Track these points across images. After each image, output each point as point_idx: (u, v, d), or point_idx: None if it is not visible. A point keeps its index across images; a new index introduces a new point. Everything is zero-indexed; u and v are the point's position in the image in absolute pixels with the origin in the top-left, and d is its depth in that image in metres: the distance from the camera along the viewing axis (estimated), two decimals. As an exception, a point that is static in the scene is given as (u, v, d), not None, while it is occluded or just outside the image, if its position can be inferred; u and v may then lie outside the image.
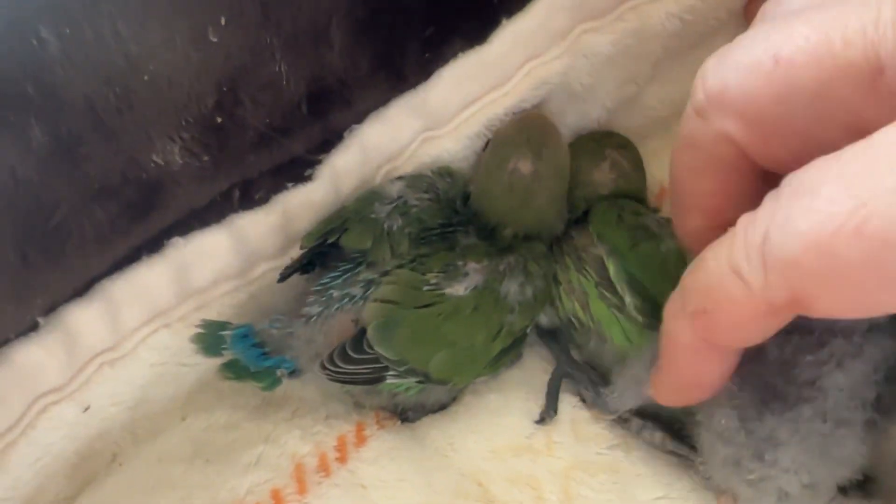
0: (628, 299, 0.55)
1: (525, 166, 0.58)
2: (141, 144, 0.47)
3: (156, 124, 0.47)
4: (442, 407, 0.59)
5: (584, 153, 0.64)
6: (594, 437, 0.58)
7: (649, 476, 0.57)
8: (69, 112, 0.43)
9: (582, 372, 0.58)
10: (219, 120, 0.50)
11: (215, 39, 0.47)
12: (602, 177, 0.63)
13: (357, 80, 0.57)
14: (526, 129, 0.60)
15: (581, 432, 0.58)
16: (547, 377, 0.60)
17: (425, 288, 0.53)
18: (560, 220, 0.61)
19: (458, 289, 0.54)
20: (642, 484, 0.56)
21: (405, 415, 0.59)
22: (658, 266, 0.54)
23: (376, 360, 0.52)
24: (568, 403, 0.58)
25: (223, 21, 0.47)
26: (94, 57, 0.42)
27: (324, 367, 0.52)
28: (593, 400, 0.57)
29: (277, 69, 0.52)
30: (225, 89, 0.49)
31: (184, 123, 0.49)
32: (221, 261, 0.55)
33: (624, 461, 0.57)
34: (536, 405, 0.59)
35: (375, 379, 0.53)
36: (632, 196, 0.63)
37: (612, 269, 0.56)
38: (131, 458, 0.53)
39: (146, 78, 0.45)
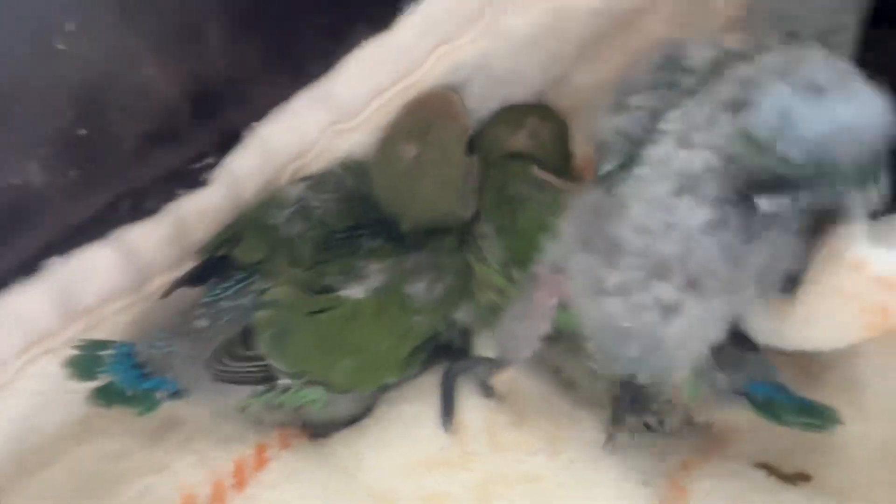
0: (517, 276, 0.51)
1: (406, 150, 0.54)
2: (-9, 166, 0.43)
3: (8, 145, 0.43)
4: (353, 420, 0.56)
5: (503, 122, 0.61)
6: (513, 445, 0.55)
7: (572, 485, 0.54)
8: None
9: (478, 363, 0.55)
10: (82, 132, 0.46)
11: (63, 47, 0.43)
12: (517, 145, 0.59)
13: (248, 77, 0.53)
14: (415, 111, 0.56)
15: (498, 440, 0.55)
16: (467, 380, 0.57)
17: (319, 291, 0.50)
18: (464, 206, 0.56)
19: (357, 291, 0.51)
20: (567, 494, 0.54)
21: (315, 431, 0.56)
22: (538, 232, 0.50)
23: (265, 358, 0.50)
24: (484, 409, 0.56)
25: (71, 27, 0.43)
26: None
27: (209, 366, 0.49)
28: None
29: (147, 73, 0.48)
30: (85, 100, 0.45)
31: (38, 139, 0.45)
32: (109, 277, 0.52)
33: (548, 468, 0.55)
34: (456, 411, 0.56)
35: (266, 379, 0.50)
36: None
37: (498, 250, 0.53)
38: (12, 493, 0.50)
39: (-12, 97, 0.41)
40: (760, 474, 0.55)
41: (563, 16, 0.57)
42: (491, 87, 0.61)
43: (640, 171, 0.45)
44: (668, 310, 0.43)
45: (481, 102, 0.61)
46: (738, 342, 0.49)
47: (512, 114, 0.61)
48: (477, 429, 0.55)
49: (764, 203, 0.41)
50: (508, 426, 0.55)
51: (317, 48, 0.54)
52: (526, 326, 0.49)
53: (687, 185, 0.43)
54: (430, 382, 0.57)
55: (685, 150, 0.43)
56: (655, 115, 0.47)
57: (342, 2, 0.54)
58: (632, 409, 0.54)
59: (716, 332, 0.45)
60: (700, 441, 0.58)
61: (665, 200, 0.44)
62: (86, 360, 0.48)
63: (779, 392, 0.50)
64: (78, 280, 0.51)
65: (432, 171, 0.55)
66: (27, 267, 0.49)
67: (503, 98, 0.62)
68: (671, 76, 0.48)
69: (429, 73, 0.57)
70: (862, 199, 0.44)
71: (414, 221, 0.55)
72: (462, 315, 0.57)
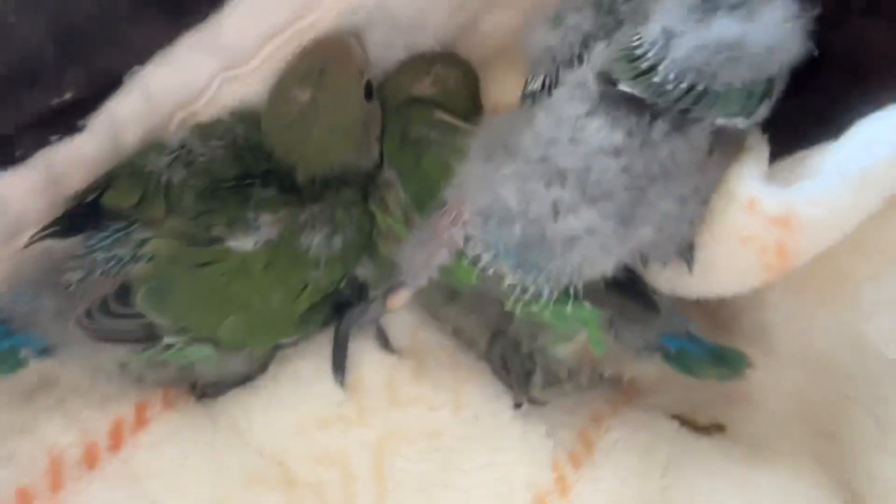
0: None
1: (299, 95, 0.51)
2: None
3: None
4: (246, 379, 0.53)
5: (408, 69, 0.58)
6: (413, 400, 0.53)
7: (477, 439, 0.52)
8: None
9: (369, 307, 0.53)
10: (-69, 67, 0.43)
11: None
12: (421, 91, 0.57)
13: (118, 18, 0.50)
14: (311, 55, 0.53)
15: (399, 396, 0.53)
16: (365, 338, 0.54)
17: (205, 243, 0.47)
18: (363, 154, 0.54)
19: (246, 243, 0.48)
20: (468, 449, 0.52)
21: (203, 391, 0.53)
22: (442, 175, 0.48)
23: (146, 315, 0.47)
24: (384, 364, 0.53)
25: None
26: None
27: (79, 323, 0.46)
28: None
29: (2, 10, 0.44)
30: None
31: None
32: (-25, 230, 0.49)
33: (450, 423, 0.53)
34: (351, 369, 0.53)
35: (147, 338, 0.47)
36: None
37: (401, 195, 0.51)
38: None
39: None
40: (672, 425, 0.54)
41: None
42: (393, 33, 0.58)
43: (556, 91, 0.45)
44: (560, 206, 0.42)
45: (385, 51, 0.59)
46: (642, 303, 0.48)
47: (417, 62, 0.59)
48: (376, 385, 0.53)
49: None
50: (409, 381, 0.53)
51: (199, -14, 0.51)
52: (426, 253, 0.46)
53: (597, 108, 0.43)
54: (327, 338, 0.55)
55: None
56: (587, 39, 0.47)
57: (222, -64, 0.50)
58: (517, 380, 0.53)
59: (602, 257, 0.43)
60: (612, 393, 0.56)
61: (576, 119, 0.43)
62: None
63: (690, 343, 0.49)
64: (-62, 233, 0.47)
65: (326, 117, 0.52)
66: None
67: (408, 46, 0.60)
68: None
69: (325, 16, 0.54)
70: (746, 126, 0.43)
71: (309, 170, 0.52)
72: (363, 271, 0.55)
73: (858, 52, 0.52)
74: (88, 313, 0.46)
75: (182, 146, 0.52)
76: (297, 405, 0.52)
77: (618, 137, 0.42)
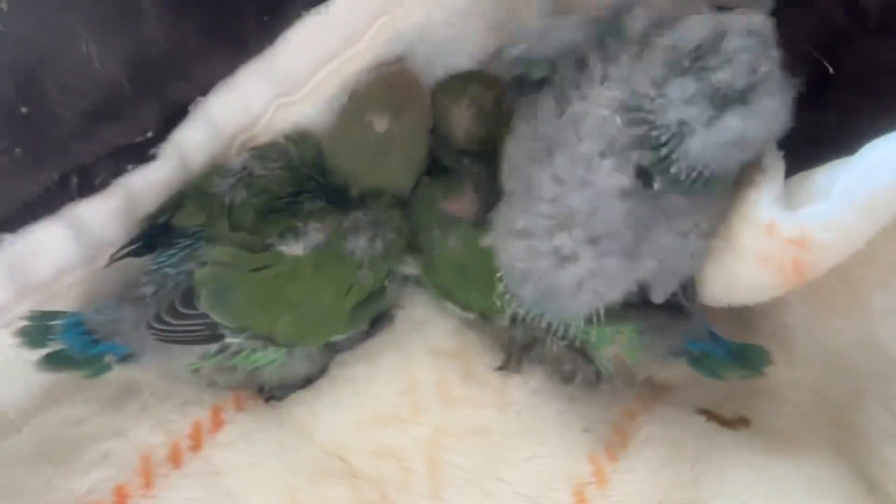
0: None
1: (380, 124, 0.55)
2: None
3: (-53, 124, 0.45)
4: (308, 381, 0.58)
5: (446, 89, 0.61)
6: (462, 400, 0.57)
7: (520, 435, 0.56)
8: None
9: None
10: (24, 110, 0.48)
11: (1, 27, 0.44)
12: (459, 113, 0.60)
13: (188, 52, 0.54)
14: (388, 86, 0.57)
15: (449, 395, 0.57)
16: (415, 339, 0.59)
17: (259, 249, 0.52)
18: (412, 180, 0.58)
19: (296, 248, 0.52)
20: (513, 444, 0.56)
21: (270, 393, 0.58)
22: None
23: (209, 316, 0.51)
24: (435, 367, 0.58)
25: (3, 6, 0.44)
26: None
27: (150, 327, 0.50)
28: None
29: (85, 50, 0.49)
30: (22, 78, 0.46)
31: (-18, 120, 0.46)
32: (61, 252, 0.54)
33: (496, 420, 0.57)
34: (404, 371, 0.58)
35: (213, 336, 0.52)
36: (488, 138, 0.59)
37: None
38: (-23, 462, 0.52)
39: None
40: (700, 420, 0.58)
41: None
42: (433, 56, 0.62)
43: (573, 122, 0.48)
44: (563, 259, 0.46)
45: (424, 71, 0.62)
46: (669, 310, 0.51)
47: (454, 82, 0.62)
48: (428, 386, 0.57)
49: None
50: (458, 382, 0.58)
51: (257, 22, 0.55)
52: None
53: (611, 150, 0.46)
54: (380, 344, 0.59)
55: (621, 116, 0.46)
56: (582, 61, 0.49)
57: (278, -24, 0.55)
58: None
59: (611, 290, 0.48)
60: (644, 391, 0.60)
61: (588, 159, 0.46)
62: (36, 330, 0.50)
63: (713, 345, 0.53)
64: (30, 256, 0.52)
65: (400, 148, 0.56)
66: (-23, 246, 0.50)
67: (446, 66, 0.63)
68: (606, 31, 0.50)
69: (371, 44, 0.59)
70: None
71: (364, 188, 0.56)
72: (406, 269, 0.59)
73: (871, 71, 0.56)
74: (158, 317, 0.50)
75: (243, 168, 0.56)
76: (356, 406, 0.56)
77: (626, 180, 0.46)
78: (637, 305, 0.50)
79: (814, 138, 0.54)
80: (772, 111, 0.46)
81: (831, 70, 0.56)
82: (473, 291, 0.57)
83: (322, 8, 0.57)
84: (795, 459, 0.54)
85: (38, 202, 0.52)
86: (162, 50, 0.52)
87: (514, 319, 0.55)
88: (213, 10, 0.53)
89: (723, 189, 0.49)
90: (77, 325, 0.50)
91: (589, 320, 0.49)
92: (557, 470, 0.54)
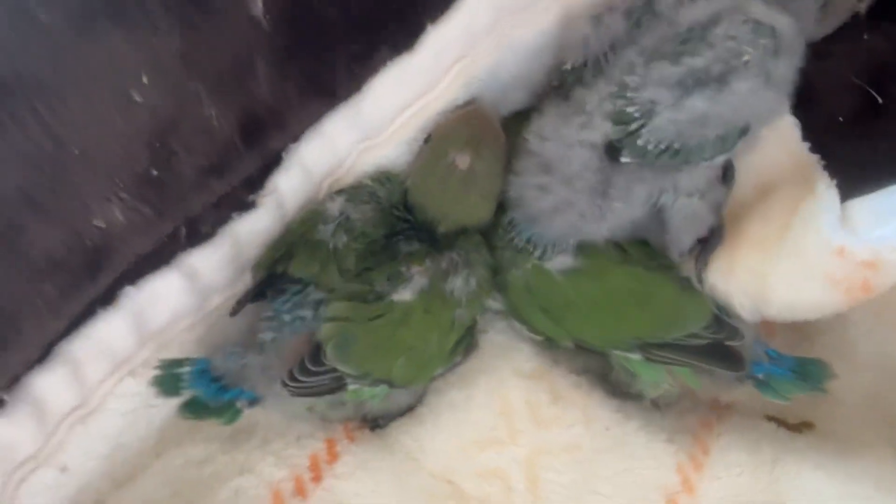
0: None
1: (462, 161, 0.58)
2: (81, 215, 0.48)
3: (93, 193, 0.48)
4: (409, 409, 0.62)
5: (512, 128, 0.64)
6: (553, 419, 0.61)
7: (610, 450, 0.60)
8: (4, 204, 0.43)
9: None
10: (154, 173, 0.50)
11: (140, 99, 0.47)
12: None
13: (288, 105, 0.57)
14: (468, 126, 0.61)
15: (540, 416, 0.61)
16: (502, 363, 0.63)
17: (371, 298, 0.55)
18: (492, 212, 0.61)
19: (405, 294, 0.55)
20: (605, 459, 0.60)
21: (375, 422, 0.61)
22: None
23: (335, 370, 0.54)
24: (524, 389, 0.61)
25: (145, 80, 0.47)
26: (21, 146, 0.42)
27: (285, 385, 0.54)
28: None
29: (207, 113, 0.52)
30: (157, 144, 0.49)
31: (120, 185, 0.49)
32: (176, 300, 0.56)
33: (584, 437, 0.61)
34: (497, 395, 0.61)
35: (338, 387, 0.55)
36: None
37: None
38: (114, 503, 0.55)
39: (76, 152, 0.45)
40: (771, 426, 0.62)
41: (569, 24, 0.62)
42: (498, 94, 0.65)
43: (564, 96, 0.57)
44: (543, 190, 0.56)
45: (493, 109, 0.66)
46: (729, 363, 0.57)
47: (517, 119, 0.66)
48: (520, 408, 0.61)
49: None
50: (547, 404, 0.61)
51: (346, 73, 0.58)
52: None
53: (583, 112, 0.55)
54: (471, 369, 0.63)
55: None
56: (614, 43, 0.56)
57: (368, 29, 0.57)
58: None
59: (583, 221, 0.56)
60: (714, 402, 0.65)
61: (565, 116, 0.55)
62: (168, 379, 0.52)
63: (774, 365, 0.57)
64: (149, 305, 0.55)
65: (482, 183, 0.59)
66: (106, 298, 0.53)
67: (509, 102, 0.67)
68: (641, 12, 0.55)
69: (448, 88, 0.62)
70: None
71: (452, 226, 0.59)
72: (493, 303, 0.63)
73: (919, 100, 0.61)
74: (291, 375, 0.53)
75: (341, 213, 0.59)
76: (457, 431, 0.60)
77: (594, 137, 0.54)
78: (699, 356, 0.57)
79: (867, 165, 0.59)
80: (742, 95, 0.50)
81: (880, 100, 0.61)
82: (538, 313, 0.60)
83: (406, 56, 0.60)
84: (862, 460, 0.59)
85: (154, 254, 0.55)
86: (267, 104, 0.55)
87: (578, 346, 0.60)
88: (312, 64, 0.56)
89: (700, 157, 0.54)
90: (205, 372, 0.52)
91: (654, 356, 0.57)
92: (649, 481, 0.59)
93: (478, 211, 0.60)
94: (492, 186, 0.60)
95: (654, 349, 0.58)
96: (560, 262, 0.58)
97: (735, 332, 0.57)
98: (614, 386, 0.63)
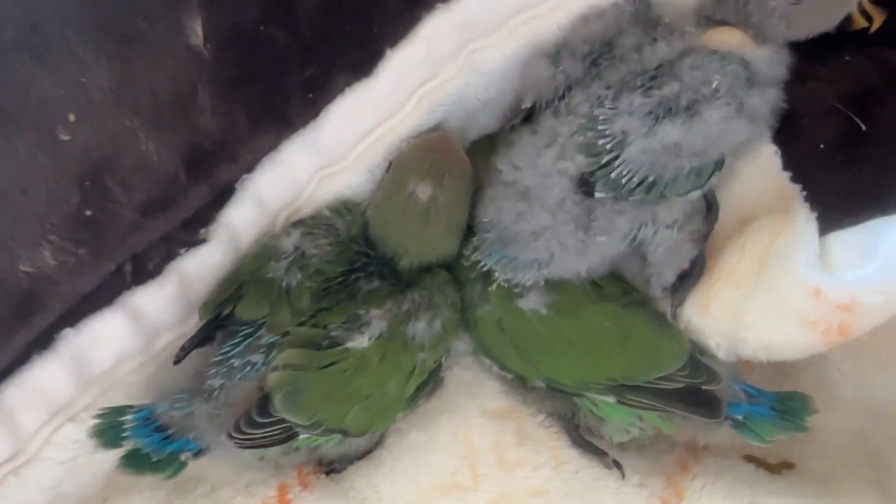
0: None
1: (423, 192, 0.56)
2: (4, 261, 0.45)
3: (18, 237, 0.45)
4: (367, 452, 0.59)
5: (480, 152, 0.62)
6: (519, 462, 0.58)
7: (579, 494, 0.58)
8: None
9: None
10: (88, 213, 0.48)
11: (67, 138, 0.44)
12: None
13: (238, 136, 0.55)
14: (429, 154, 0.57)
15: (506, 459, 0.58)
16: (467, 401, 0.60)
17: (325, 344, 0.52)
18: (458, 245, 0.59)
19: (361, 341, 0.53)
20: None
21: (331, 466, 0.58)
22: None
23: (284, 420, 0.51)
24: (490, 430, 0.59)
25: (72, 118, 0.44)
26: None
27: (231, 437, 0.51)
28: None
29: (144, 148, 0.49)
30: (87, 184, 0.47)
31: (48, 227, 0.46)
32: (120, 341, 0.54)
33: (553, 481, 0.58)
34: (461, 436, 0.59)
35: (288, 437, 0.52)
36: None
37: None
38: (50, 561, 0.52)
39: (-4, 196, 0.43)
40: (749, 467, 0.60)
41: (533, 48, 0.60)
42: (466, 119, 0.63)
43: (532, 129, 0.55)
44: (522, 216, 0.53)
45: (460, 134, 0.64)
46: (705, 409, 0.54)
47: (487, 143, 0.63)
48: (485, 451, 0.58)
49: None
50: (514, 445, 0.59)
51: (302, 100, 0.56)
52: None
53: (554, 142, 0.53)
54: (434, 407, 0.60)
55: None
56: (571, 83, 0.55)
57: (322, 54, 0.55)
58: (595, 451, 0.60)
59: (563, 252, 0.54)
60: (691, 443, 0.62)
61: (537, 149, 0.54)
62: (109, 428, 0.50)
63: (753, 405, 0.55)
64: (90, 348, 0.53)
65: (445, 215, 0.56)
66: (42, 342, 0.50)
67: (478, 127, 0.64)
68: (600, 54, 0.55)
69: (412, 114, 0.59)
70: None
71: (414, 261, 0.57)
72: (459, 343, 0.60)
73: (904, 128, 0.58)
74: (237, 427, 0.51)
75: (295, 249, 0.56)
76: (416, 474, 0.57)
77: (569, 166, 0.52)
78: (674, 401, 0.54)
79: (850, 194, 0.56)
80: (714, 123, 0.50)
81: (863, 127, 0.58)
82: (509, 350, 0.58)
83: (365, 82, 0.57)
84: (842, 501, 0.57)
85: (95, 294, 0.52)
86: (214, 136, 0.53)
87: (548, 387, 0.57)
88: (261, 93, 0.54)
89: (676, 191, 0.52)
90: (148, 421, 0.50)
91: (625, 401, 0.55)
92: (619, 529, 0.56)
93: (441, 244, 0.58)
94: (455, 218, 0.57)
95: (628, 392, 0.55)
96: (532, 299, 0.55)
97: (712, 375, 0.54)
98: (581, 430, 0.60)
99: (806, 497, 0.57)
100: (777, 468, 0.61)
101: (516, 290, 0.56)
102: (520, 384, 0.60)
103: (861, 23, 0.53)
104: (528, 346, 0.57)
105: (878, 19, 0.53)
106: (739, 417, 0.54)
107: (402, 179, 0.57)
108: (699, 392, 0.54)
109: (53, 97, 0.43)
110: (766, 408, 0.54)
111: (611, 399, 0.56)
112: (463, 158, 0.59)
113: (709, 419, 0.54)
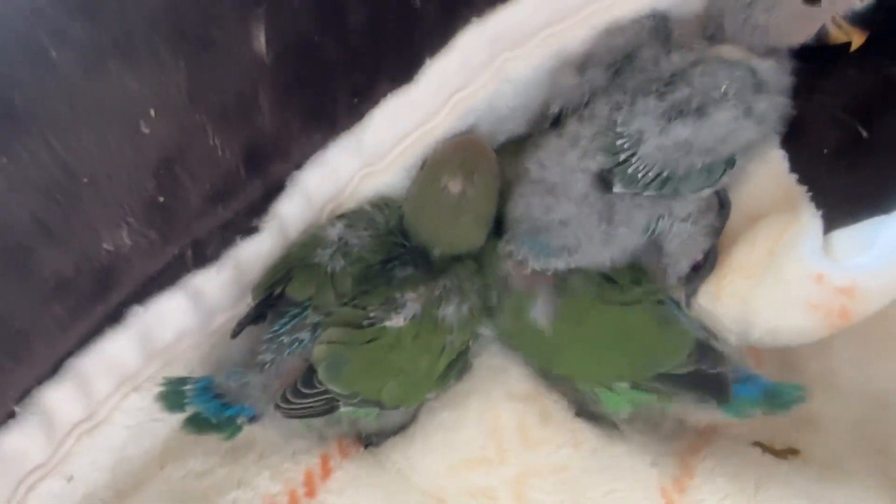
0: None
1: (454, 186, 0.61)
2: (90, 239, 0.51)
3: (101, 218, 0.51)
4: (402, 428, 0.64)
5: (508, 154, 0.67)
6: (542, 441, 0.63)
7: (597, 472, 0.62)
8: (18, 229, 0.46)
9: None
10: (161, 199, 0.54)
11: (147, 131, 0.50)
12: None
13: (291, 135, 0.60)
14: (461, 152, 0.63)
15: (529, 438, 0.63)
16: (494, 385, 0.65)
17: (366, 324, 0.57)
18: (485, 237, 0.64)
19: (398, 320, 0.58)
20: (591, 481, 0.61)
21: (369, 440, 0.63)
22: None
23: (327, 391, 0.56)
24: (515, 411, 0.63)
25: (152, 113, 0.50)
26: (34, 176, 0.45)
27: (278, 406, 0.56)
28: None
29: (211, 143, 0.55)
30: (162, 172, 0.52)
31: (127, 210, 0.52)
32: (181, 319, 0.59)
33: (573, 458, 0.62)
34: (488, 416, 0.63)
35: (330, 408, 0.57)
36: None
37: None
38: (117, 513, 0.58)
39: (85, 181, 0.48)
40: (756, 451, 0.64)
41: (563, 58, 0.65)
42: (496, 124, 0.68)
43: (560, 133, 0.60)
44: (551, 208, 0.58)
45: (490, 138, 0.69)
46: (712, 391, 0.58)
47: (511, 146, 0.69)
48: (510, 430, 0.63)
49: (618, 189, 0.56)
50: (537, 426, 0.63)
51: (347, 104, 0.61)
52: None
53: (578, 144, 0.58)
54: (463, 390, 0.65)
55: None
56: (595, 91, 0.60)
57: (368, 63, 0.60)
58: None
59: (594, 248, 0.59)
60: (701, 427, 0.66)
61: (562, 149, 0.58)
62: (172, 394, 0.55)
63: (744, 386, 0.58)
64: (155, 324, 0.58)
65: (474, 208, 0.61)
66: (114, 317, 0.56)
67: (506, 132, 0.70)
68: (622, 65, 0.60)
69: (446, 119, 0.65)
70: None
71: (447, 249, 0.62)
72: (485, 329, 0.65)
73: (901, 134, 0.62)
74: (284, 397, 0.56)
75: (339, 239, 0.61)
76: (447, 450, 0.62)
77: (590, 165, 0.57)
78: (668, 380, 0.58)
79: (851, 197, 0.60)
80: (722, 124, 0.54)
81: (865, 134, 0.63)
82: (531, 340, 0.62)
83: (405, 88, 0.62)
84: (845, 486, 0.60)
85: (161, 275, 0.58)
86: (270, 135, 0.58)
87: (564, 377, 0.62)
88: (313, 97, 0.59)
89: (689, 187, 0.57)
90: (207, 390, 0.55)
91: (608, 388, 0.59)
92: (634, 502, 0.60)
93: (469, 235, 0.63)
94: (483, 211, 0.62)
95: (642, 382, 0.59)
96: (539, 310, 0.60)
97: (720, 358, 0.58)
98: (579, 405, 0.64)
99: (809, 481, 0.60)
100: (783, 453, 0.65)
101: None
102: (544, 372, 0.65)
103: (840, 38, 0.56)
104: (540, 351, 0.62)
105: (857, 40, 0.56)
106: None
107: (435, 175, 0.62)
108: (706, 375, 0.58)
109: (138, 95, 0.48)
110: (754, 389, 0.57)
111: (625, 384, 0.60)
112: (491, 157, 0.64)
113: (718, 402, 0.58)
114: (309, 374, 0.56)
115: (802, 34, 0.56)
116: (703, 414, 0.65)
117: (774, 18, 0.56)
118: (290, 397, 0.56)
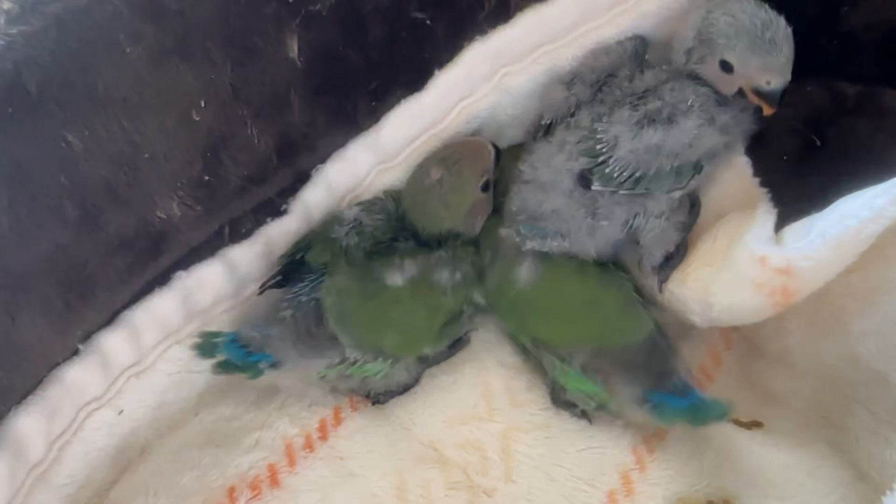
0: None
1: (434, 173, 0.70)
2: (148, 206, 0.60)
3: (158, 189, 0.61)
4: (406, 388, 0.73)
5: (508, 158, 0.75)
6: (527, 403, 0.71)
7: (575, 431, 0.70)
8: (92, 191, 0.56)
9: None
10: (206, 178, 0.63)
11: (198, 119, 0.60)
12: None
13: (317, 132, 0.70)
14: (452, 147, 0.72)
15: (516, 399, 0.71)
16: (488, 355, 0.74)
17: (370, 281, 0.66)
18: (469, 229, 0.71)
19: (398, 279, 0.66)
20: (570, 438, 0.69)
21: (376, 398, 0.72)
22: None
23: (335, 338, 0.65)
24: (505, 377, 0.72)
25: (203, 103, 0.60)
26: (107, 148, 0.56)
27: (295, 346, 0.64)
28: None
29: (250, 133, 0.64)
30: (209, 155, 0.62)
31: (179, 185, 0.62)
32: (218, 286, 0.68)
33: (554, 419, 0.70)
34: (480, 380, 0.72)
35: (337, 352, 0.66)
36: None
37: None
38: (157, 448, 0.67)
39: (147, 156, 0.58)
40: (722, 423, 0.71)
41: (555, 74, 0.74)
42: (497, 131, 0.77)
43: (549, 139, 0.68)
44: (541, 203, 0.66)
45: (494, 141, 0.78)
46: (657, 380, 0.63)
47: (514, 150, 0.78)
48: (500, 391, 0.71)
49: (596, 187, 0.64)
50: (524, 390, 0.72)
51: (366, 108, 0.70)
52: None
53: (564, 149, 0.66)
54: (460, 359, 0.74)
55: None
56: (580, 103, 0.69)
57: (385, 72, 0.70)
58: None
59: (582, 237, 0.66)
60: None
61: (549, 155, 0.66)
62: (205, 345, 0.63)
63: (671, 398, 0.61)
64: (196, 288, 0.67)
65: (445, 193, 0.70)
66: (164, 278, 0.65)
67: (508, 139, 0.79)
68: (604, 82, 0.69)
69: (452, 123, 0.74)
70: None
71: (427, 231, 0.71)
72: (478, 297, 0.73)
73: (848, 144, 0.70)
74: (300, 338, 0.64)
75: (355, 219, 0.71)
76: (444, 407, 0.70)
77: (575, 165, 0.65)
78: (619, 360, 0.65)
79: (804, 197, 0.68)
80: (687, 129, 0.63)
81: (818, 143, 0.71)
82: (512, 300, 0.70)
83: (417, 96, 0.72)
84: (798, 453, 0.67)
85: (203, 247, 0.67)
86: (299, 130, 0.68)
87: (534, 345, 0.70)
88: (337, 99, 0.69)
89: (660, 188, 0.64)
90: (235, 341, 0.64)
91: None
92: (607, 458, 0.68)
93: (443, 216, 0.70)
94: (455, 200, 0.70)
95: (595, 357, 0.66)
96: (525, 270, 0.68)
97: (671, 351, 0.65)
98: (553, 394, 0.72)
99: (766, 447, 0.67)
100: (748, 425, 0.71)
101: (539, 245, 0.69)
102: (523, 350, 0.73)
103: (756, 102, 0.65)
104: (516, 310, 0.70)
105: (767, 110, 0.64)
106: (656, 402, 0.63)
107: (425, 163, 0.72)
108: (655, 364, 0.64)
109: (192, 87, 0.58)
110: (684, 400, 0.60)
111: (576, 367, 0.67)
112: (482, 153, 0.72)
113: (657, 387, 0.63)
114: (320, 318, 0.64)
115: (727, 88, 0.65)
116: (636, 416, 0.70)
117: (705, 69, 0.65)
118: (305, 338, 0.64)
